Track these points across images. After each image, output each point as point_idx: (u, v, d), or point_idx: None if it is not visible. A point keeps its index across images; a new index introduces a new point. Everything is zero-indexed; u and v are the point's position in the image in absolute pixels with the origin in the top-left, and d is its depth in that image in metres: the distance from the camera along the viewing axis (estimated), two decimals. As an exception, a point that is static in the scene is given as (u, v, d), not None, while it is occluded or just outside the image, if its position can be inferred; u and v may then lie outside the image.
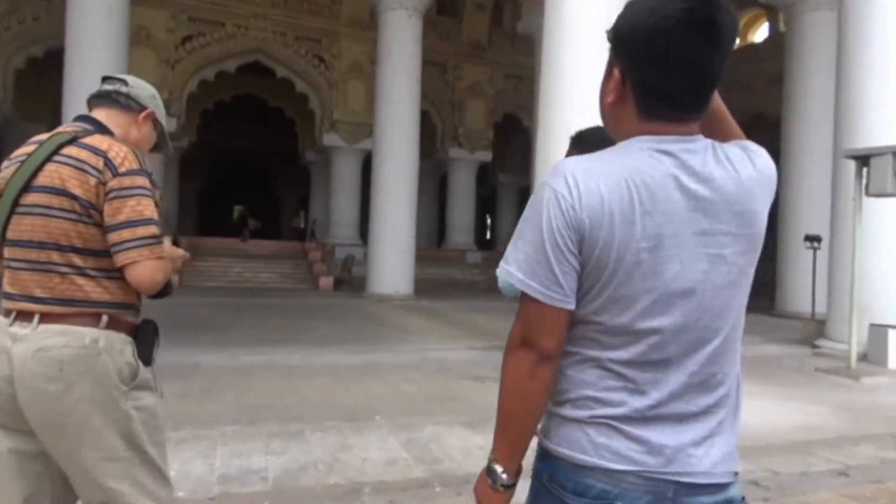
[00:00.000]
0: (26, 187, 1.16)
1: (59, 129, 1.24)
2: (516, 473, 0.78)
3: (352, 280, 13.32)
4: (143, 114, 1.32)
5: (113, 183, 1.14)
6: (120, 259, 1.15)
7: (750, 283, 0.77)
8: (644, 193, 0.70)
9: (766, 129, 15.41)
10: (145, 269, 1.15)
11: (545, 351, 0.73)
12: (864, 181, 5.40)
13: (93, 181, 1.14)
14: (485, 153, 17.75)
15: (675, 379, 0.73)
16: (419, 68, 11.42)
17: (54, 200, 1.14)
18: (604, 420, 0.73)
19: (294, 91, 16.02)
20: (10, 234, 1.18)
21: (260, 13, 14.98)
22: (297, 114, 17.72)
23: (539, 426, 0.79)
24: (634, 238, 0.70)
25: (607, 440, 0.73)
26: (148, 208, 1.17)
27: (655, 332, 0.72)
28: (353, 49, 15.73)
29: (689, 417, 0.73)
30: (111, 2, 8.86)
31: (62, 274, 1.15)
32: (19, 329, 1.14)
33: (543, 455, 0.79)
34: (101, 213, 1.15)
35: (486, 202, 22.44)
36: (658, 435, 0.72)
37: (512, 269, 0.74)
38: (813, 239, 8.19)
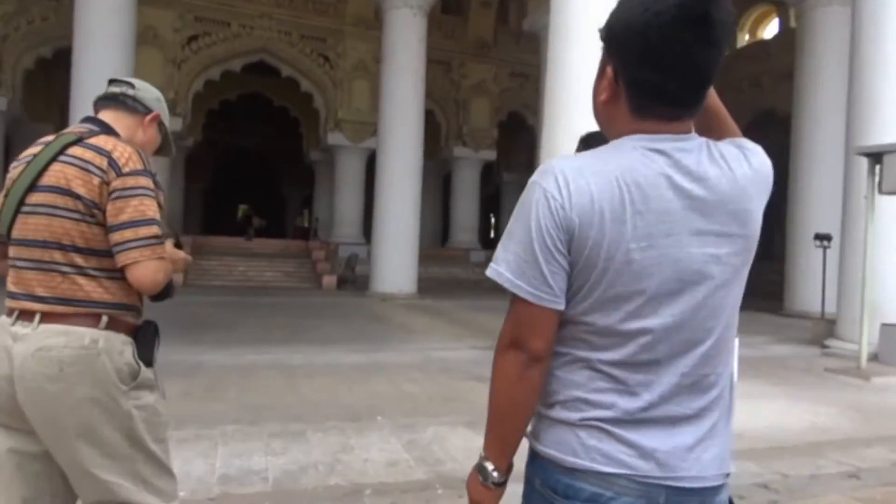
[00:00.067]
0: (32, 187, 1.17)
1: (66, 130, 1.24)
2: (507, 471, 0.78)
3: (355, 279, 13.32)
4: (149, 116, 1.33)
5: (116, 183, 1.15)
6: (121, 259, 1.15)
7: (744, 284, 0.76)
8: (636, 193, 0.69)
9: (776, 126, 15.29)
10: (146, 269, 1.15)
11: (534, 352, 0.73)
12: (876, 178, 5.32)
13: (96, 181, 1.14)
14: (489, 152, 17.70)
15: (667, 380, 0.72)
16: (424, 67, 11.39)
17: (59, 200, 1.15)
18: (595, 422, 0.72)
19: (299, 90, 16.04)
20: (16, 234, 1.19)
21: (265, 13, 15.00)
22: (301, 113, 17.75)
23: (529, 428, 0.79)
24: (625, 238, 0.69)
25: (598, 443, 0.71)
26: (150, 209, 1.17)
27: (646, 333, 0.71)
28: (357, 48, 15.72)
29: (681, 420, 0.72)
30: (118, 2, 8.91)
31: (64, 273, 1.15)
32: (20, 328, 1.14)
33: (534, 457, 0.78)
34: (104, 212, 1.15)
35: (491, 201, 22.39)
36: (649, 439, 0.71)
37: (501, 269, 0.73)
38: (823, 238, 8.09)
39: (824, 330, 7.09)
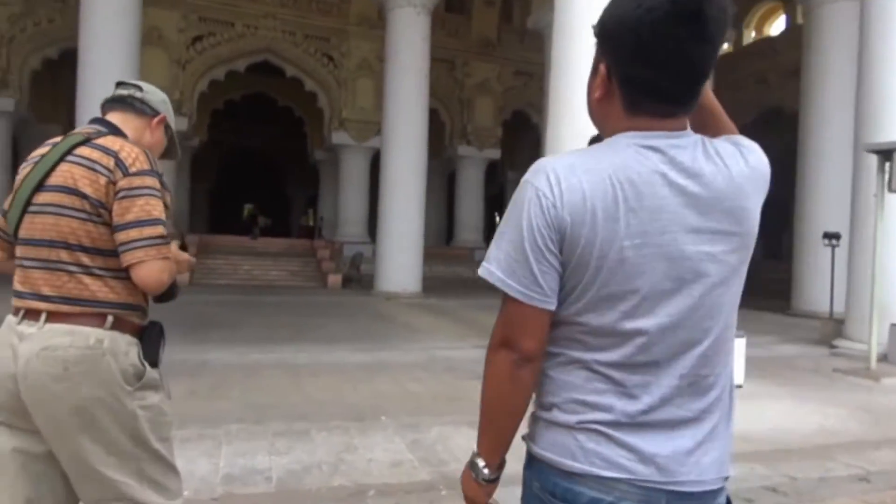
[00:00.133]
0: (39, 186, 1.18)
1: (74, 130, 1.25)
2: (498, 468, 0.79)
3: (360, 278, 13.33)
4: (156, 119, 1.34)
5: (123, 182, 1.15)
6: (127, 258, 1.15)
7: (742, 283, 0.75)
8: (629, 190, 0.68)
9: (783, 124, 15.19)
10: (151, 269, 1.15)
11: (525, 351, 0.72)
12: (886, 176, 5.26)
13: (103, 180, 1.15)
14: (493, 151, 17.66)
15: (665, 382, 0.71)
16: (427, 66, 11.37)
17: (66, 199, 1.15)
18: (593, 425, 0.71)
19: (303, 90, 16.07)
20: (23, 233, 1.19)
21: (269, 13, 15.03)
22: (306, 112, 17.78)
23: (525, 430, 0.78)
24: (618, 236, 0.68)
25: (597, 446, 0.71)
26: (156, 208, 1.17)
27: (642, 333, 0.70)
28: (361, 47, 15.72)
29: (680, 423, 0.71)
30: (124, 3, 8.96)
31: (70, 273, 1.16)
32: (26, 327, 1.14)
33: (531, 461, 0.77)
34: (110, 212, 1.15)
35: (495, 200, 22.36)
36: (648, 443, 0.70)
37: (492, 268, 0.73)
38: (832, 236, 8.01)
39: (832, 330, 7.02)
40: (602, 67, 0.74)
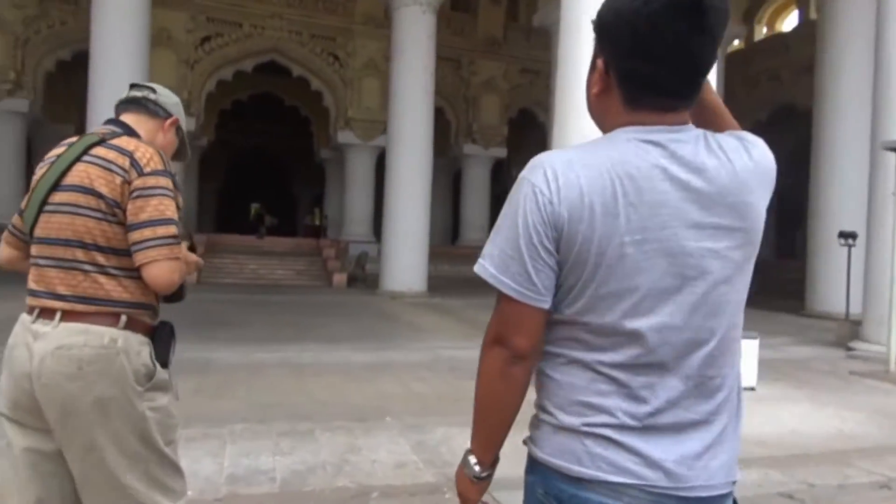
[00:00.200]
0: (55, 186, 1.19)
1: (90, 131, 1.28)
2: (491, 465, 0.78)
3: (365, 277, 13.33)
4: (168, 121, 1.37)
5: (138, 182, 1.16)
6: (139, 258, 1.16)
7: (748, 281, 0.73)
8: (628, 185, 0.67)
9: (796, 121, 15.00)
10: (162, 268, 1.16)
11: (518, 350, 0.71)
12: (903, 174, 5.17)
13: (118, 180, 1.16)
14: (499, 149, 17.60)
15: (671, 384, 0.69)
16: (433, 64, 11.33)
17: (81, 199, 1.17)
18: (600, 429, 0.70)
19: (309, 89, 16.11)
20: (39, 232, 1.20)
21: (276, 13, 15.08)
22: (312, 112, 17.82)
23: (527, 434, 0.77)
24: (618, 232, 0.67)
25: (604, 451, 0.69)
26: (169, 209, 1.19)
27: (645, 332, 0.68)
28: (367, 47, 15.72)
29: (688, 427, 0.70)
30: (133, 5, 9.03)
31: (85, 272, 1.17)
32: (41, 326, 1.15)
33: (534, 465, 0.75)
34: (125, 211, 1.17)
35: (501, 199, 21.88)
36: (656, 447, 0.69)
37: (486, 265, 0.72)
38: (848, 235, 7.86)
39: (849, 331, 6.89)
40: (600, 62, 0.73)
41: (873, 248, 6.27)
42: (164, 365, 1.22)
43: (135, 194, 1.16)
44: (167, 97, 1.38)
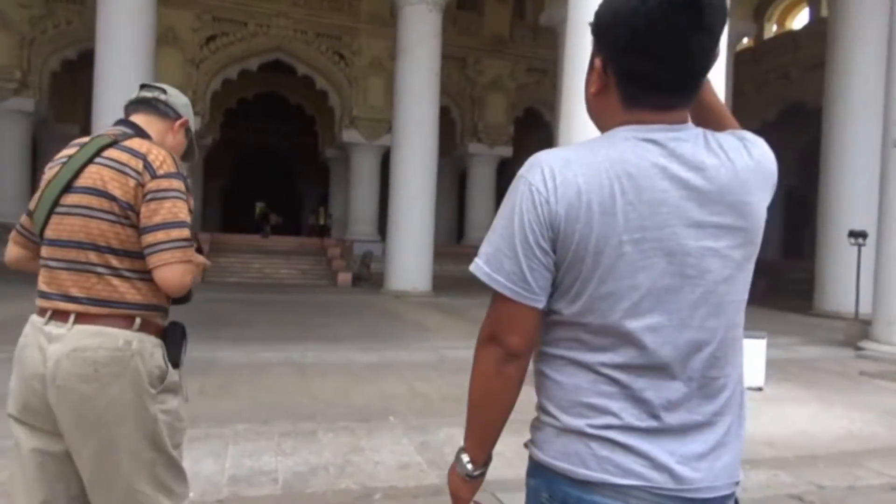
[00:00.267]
0: (67, 188, 1.18)
1: (100, 132, 1.26)
2: (484, 464, 0.78)
3: (370, 276, 13.32)
4: (178, 122, 1.37)
5: (151, 185, 1.17)
6: (153, 260, 1.16)
7: (749, 280, 0.73)
8: (627, 184, 0.67)
9: (805, 119, 14.85)
10: (175, 271, 1.16)
11: (512, 349, 0.71)
12: (914, 173, 5.09)
13: (132, 183, 1.16)
14: (505, 148, 17.53)
15: (674, 385, 0.69)
16: (439, 63, 11.29)
17: (94, 201, 1.16)
18: (605, 431, 0.69)
19: (314, 88, 16.10)
20: (50, 234, 1.19)
21: (281, 11, 15.09)
22: (317, 111, 17.82)
23: (529, 437, 0.77)
24: (616, 231, 0.67)
25: (611, 453, 0.69)
26: (182, 211, 1.19)
27: (645, 333, 0.68)
28: (372, 45, 15.70)
29: (693, 428, 0.70)
30: (139, 4, 9.04)
31: (99, 274, 1.17)
32: (55, 329, 1.15)
33: (537, 469, 0.74)
34: (138, 214, 1.17)
35: (507, 198, 22.17)
36: (662, 449, 0.68)
37: (480, 263, 0.72)
38: (858, 235, 7.77)
39: (858, 331, 6.82)
40: (598, 61, 0.73)
41: (884, 248, 6.22)
42: (176, 365, 1.23)
43: (148, 197, 1.16)
44: (177, 98, 1.37)
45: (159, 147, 1.22)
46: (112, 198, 1.16)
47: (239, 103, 17.74)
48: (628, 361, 0.69)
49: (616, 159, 0.68)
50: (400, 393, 4.09)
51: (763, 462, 2.84)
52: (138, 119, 1.31)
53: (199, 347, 4.94)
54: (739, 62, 14.43)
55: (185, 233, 1.18)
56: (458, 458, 0.78)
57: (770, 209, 0.75)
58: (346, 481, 2.47)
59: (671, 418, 0.69)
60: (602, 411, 0.69)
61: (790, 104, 15.85)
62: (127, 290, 1.18)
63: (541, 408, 0.75)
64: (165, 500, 1.20)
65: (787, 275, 14.17)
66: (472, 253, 0.76)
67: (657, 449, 0.68)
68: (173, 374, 1.22)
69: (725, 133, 0.74)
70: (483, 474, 0.79)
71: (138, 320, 1.17)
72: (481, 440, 0.77)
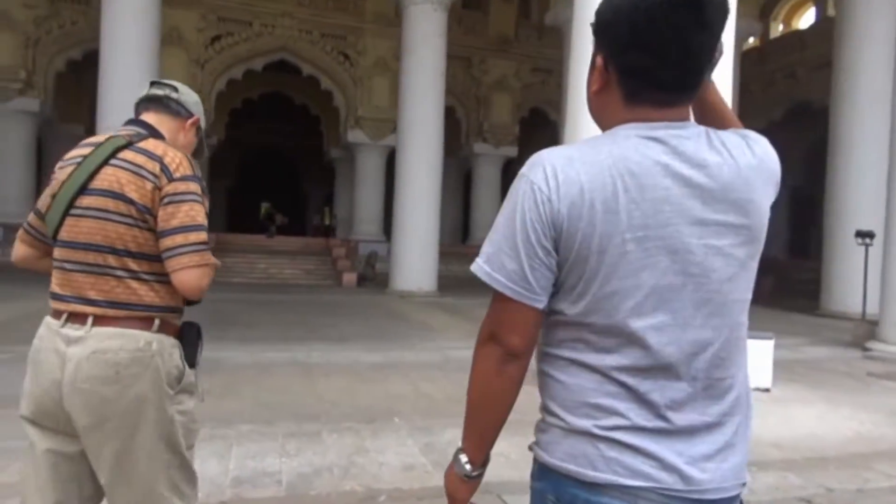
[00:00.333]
0: (83, 189, 1.17)
1: (113, 132, 1.25)
2: (482, 465, 0.78)
3: (375, 276, 13.32)
4: (190, 120, 1.36)
5: (168, 188, 1.16)
6: (172, 264, 1.16)
7: (753, 279, 0.72)
8: (630, 182, 0.67)
9: (812, 118, 14.74)
10: (193, 274, 1.17)
11: (512, 348, 0.71)
12: (923, 173, 5.03)
13: (149, 186, 1.16)
14: (510, 148, 17.50)
15: (678, 385, 0.69)
16: (444, 63, 11.27)
17: (111, 204, 1.16)
18: (613, 432, 0.68)
19: (319, 88, 16.13)
20: (65, 236, 1.18)
21: (287, 11, 15.11)
22: (322, 111, 17.85)
23: (533, 439, 0.76)
24: (619, 229, 0.66)
25: (619, 455, 0.68)
26: (200, 214, 1.19)
27: (650, 332, 0.68)
28: (377, 45, 15.71)
29: (702, 429, 0.69)
30: (144, 4, 9.07)
31: (118, 277, 1.16)
32: (72, 331, 1.14)
33: (543, 471, 0.73)
34: (155, 217, 1.17)
35: (512, 198, 22.11)
36: (670, 450, 0.68)
37: (481, 262, 0.72)
38: (865, 235, 7.71)
39: (865, 332, 6.77)
40: (599, 59, 0.73)
41: (891, 248, 6.18)
42: (192, 366, 1.24)
43: (166, 200, 1.16)
44: (188, 95, 1.36)
45: (175, 149, 1.22)
46: (129, 201, 1.15)
47: (244, 103, 17.79)
48: (634, 363, 0.68)
49: (619, 157, 0.67)
50: (405, 393, 4.07)
51: (771, 464, 2.82)
52: (150, 118, 1.30)
53: (204, 347, 4.97)
54: (745, 62, 14.33)
55: (203, 236, 1.18)
56: (456, 459, 0.78)
57: (776, 209, 0.75)
58: (350, 483, 2.46)
59: (678, 419, 0.68)
60: (609, 412, 0.69)
61: (796, 104, 15.75)
62: (145, 293, 1.18)
63: (545, 409, 0.74)
64: (179, 502, 1.20)
65: (793, 275, 14.07)
66: (477, 253, 0.76)
67: (665, 450, 0.68)
68: (190, 374, 1.23)
69: (727, 131, 0.73)
70: (481, 475, 0.78)
71: (157, 321, 1.18)
72: (480, 440, 0.76)
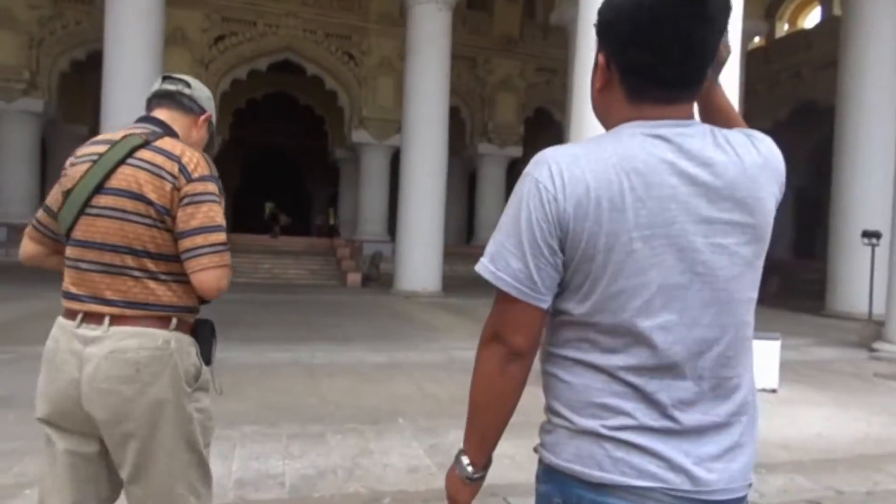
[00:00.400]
0: (99, 188, 1.16)
1: (128, 130, 1.23)
2: (484, 467, 0.77)
3: (379, 276, 13.31)
4: (202, 116, 1.34)
5: (187, 189, 1.16)
6: (192, 265, 1.16)
7: (758, 278, 0.72)
8: (636, 180, 0.66)
9: (817, 118, 14.63)
10: (212, 275, 1.17)
11: (516, 348, 0.71)
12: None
13: (168, 186, 1.15)
14: (515, 148, 17.46)
15: (684, 385, 0.68)
16: (448, 63, 11.25)
17: (129, 204, 1.15)
18: (620, 432, 0.68)
19: (324, 88, 16.14)
20: (80, 235, 1.17)
21: (291, 11, 15.13)
22: (326, 111, 17.86)
23: (538, 441, 0.75)
24: (625, 228, 0.66)
25: (627, 455, 0.67)
26: (218, 215, 1.19)
27: (656, 331, 0.67)
28: (382, 45, 15.70)
29: (710, 429, 0.69)
30: (147, 4, 9.08)
31: (135, 278, 1.16)
32: (89, 331, 1.14)
33: (549, 473, 0.73)
34: (174, 218, 1.16)
35: (516, 199, 22.07)
36: (678, 450, 0.67)
37: (485, 261, 0.71)
38: (871, 235, 7.64)
39: (872, 332, 6.71)
40: (601, 58, 0.73)
41: (899, 248, 6.10)
42: (208, 363, 1.24)
43: (185, 201, 1.15)
44: (200, 91, 1.34)
45: (192, 149, 1.21)
46: (148, 202, 1.14)
47: (248, 103, 17.81)
48: (641, 363, 0.68)
49: (624, 155, 0.67)
50: (409, 394, 4.06)
51: (780, 466, 2.79)
52: (162, 115, 1.28)
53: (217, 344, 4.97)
54: (751, 61, 14.25)
55: (222, 237, 1.18)
56: (457, 460, 0.77)
57: (781, 209, 0.74)
58: (354, 485, 2.44)
59: (685, 419, 0.68)
60: (616, 411, 0.68)
61: (802, 103, 15.66)
62: (164, 293, 1.17)
63: (550, 409, 0.73)
64: (195, 502, 1.20)
65: (798, 275, 13.97)
66: (482, 253, 0.74)
67: (673, 450, 0.67)
68: (206, 372, 1.23)
69: (733, 130, 0.73)
70: (483, 477, 0.77)
71: (174, 320, 1.18)
72: (482, 441, 0.75)
